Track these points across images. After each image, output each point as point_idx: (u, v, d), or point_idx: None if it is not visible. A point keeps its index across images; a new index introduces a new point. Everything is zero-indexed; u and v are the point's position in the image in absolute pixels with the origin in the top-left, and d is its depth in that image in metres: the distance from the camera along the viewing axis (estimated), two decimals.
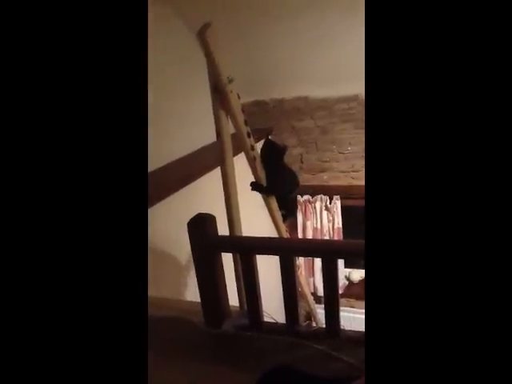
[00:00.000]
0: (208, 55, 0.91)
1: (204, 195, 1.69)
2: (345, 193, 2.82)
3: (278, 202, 1.28)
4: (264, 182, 1.17)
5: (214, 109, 0.98)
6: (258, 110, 2.79)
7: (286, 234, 1.42)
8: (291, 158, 2.92)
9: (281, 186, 1.25)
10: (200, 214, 1.05)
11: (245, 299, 1.10)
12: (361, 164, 2.74)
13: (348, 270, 3.23)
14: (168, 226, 1.48)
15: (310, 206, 2.91)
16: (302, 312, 1.07)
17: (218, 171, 1.09)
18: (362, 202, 2.59)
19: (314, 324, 2.30)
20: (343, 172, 2.81)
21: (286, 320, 1.06)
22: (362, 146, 2.66)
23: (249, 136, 1.06)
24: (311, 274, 3.09)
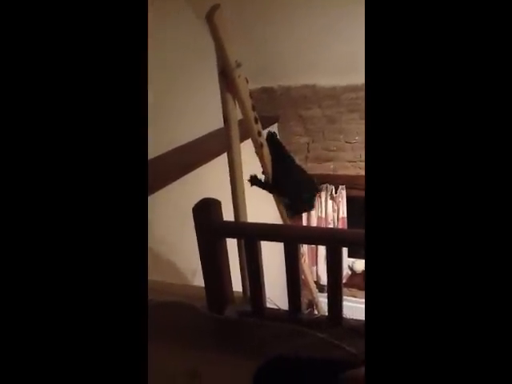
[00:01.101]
0: (216, 39, 0.90)
1: (209, 182, 1.68)
2: (350, 183, 2.81)
3: (286, 200, 1.23)
4: (270, 170, 1.16)
5: (221, 93, 0.97)
6: (265, 98, 2.77)
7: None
8: (298, 147, 2.91)
9: (290, 186, 1.20)
10: (205, 198, 1.05)
11: (248, 286, 1.11)
12: None
13: (351, 259, 3.23)
14: (171, 212, 1.48)
15: None
16: (304, 300, 1.07)
17: (223, 158, 1.08)
18: None
19: (316, 312, 2.32)
20: (350, 162, 2.79)
21: (289, 307, 1.06)
22: None
23: (256, 122, 1.05)
24: (314, 263, 3.10)
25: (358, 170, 2.79)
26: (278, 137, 1.21)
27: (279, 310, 1.11)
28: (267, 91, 2.76)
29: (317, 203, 2.92)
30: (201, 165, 1.74)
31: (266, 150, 1.10)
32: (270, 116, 2.78)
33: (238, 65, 0.95)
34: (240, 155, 1.01)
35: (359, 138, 2.69)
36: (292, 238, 0.96)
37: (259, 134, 1.07)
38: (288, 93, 2.73)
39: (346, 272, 3.18)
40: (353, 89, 2.55)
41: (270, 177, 1.16)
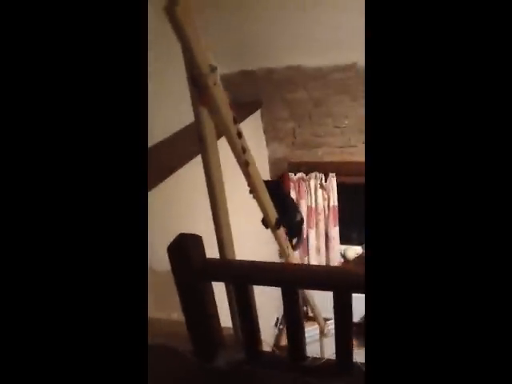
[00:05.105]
0: (182, 38, 0.68)
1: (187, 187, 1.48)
2: (340, 169, 2.63)
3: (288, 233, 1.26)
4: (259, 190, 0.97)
5: (194, 108, 0.76)
6: (245, 81, 2.52)
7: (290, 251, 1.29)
8: (283, 133, 2.70)
9: (289, 218, 1.22)
10: (182, 234, 0.86)
11: (240, 329, 0.94)
12: (357, 139, 2.53)
13: (343, 246, 3.11)
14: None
15: (304, 183, 2.73)
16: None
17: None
18: (358, 179, 2.42)
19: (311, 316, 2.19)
20: (339, 147, 2.60)
21: (289, 353, 0.91)
22: (360, 119, 2.44)
23: (239, 137, 0.85)
24: (306, 253, 2.97)
25: (349, 155, 2.61)
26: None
27: (278, 354, 0.96)
28: (247, 74, 2.51)
29: (306, 192, 2.76)
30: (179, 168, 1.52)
31: (252, 169, 0.91)
32: (252, 101, 2.55)
33: (213, 69, 0.74)
34: (223, 184, 0.82)
35: (349, 122, 2.50)
36: (291, 281, 0.79)
37: (244, 150, 0.87)
38: (270, 75, 2.49)
39: (338, 260, 3.06)
40: (341, 69, 2.34)
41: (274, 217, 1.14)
